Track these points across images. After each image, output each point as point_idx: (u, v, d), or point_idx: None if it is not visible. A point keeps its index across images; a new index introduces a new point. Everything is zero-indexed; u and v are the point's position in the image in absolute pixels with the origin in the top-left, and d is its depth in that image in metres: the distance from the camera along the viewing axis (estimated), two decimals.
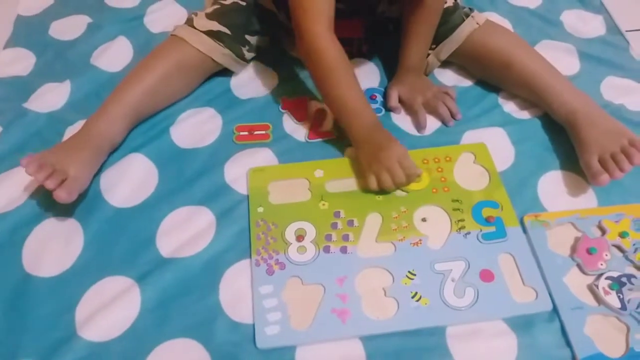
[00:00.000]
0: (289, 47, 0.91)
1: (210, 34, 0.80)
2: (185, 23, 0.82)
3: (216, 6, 0.83)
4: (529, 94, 0.79)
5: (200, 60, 0.80)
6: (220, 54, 0.81)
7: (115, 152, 0.76)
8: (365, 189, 0.70)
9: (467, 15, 0.82)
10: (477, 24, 0.81)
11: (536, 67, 0.78)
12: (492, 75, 0.82)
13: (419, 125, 0.78)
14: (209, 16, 0.81)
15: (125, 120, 0.74)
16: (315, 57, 0.71)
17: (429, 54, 0.83)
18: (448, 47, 0.82)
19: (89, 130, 0.72)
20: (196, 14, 0.82)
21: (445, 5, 0.81)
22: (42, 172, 0.64)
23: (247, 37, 0.83)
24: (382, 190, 0.69)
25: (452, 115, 0.79)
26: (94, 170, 0.71)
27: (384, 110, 0.82)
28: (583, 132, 0.71)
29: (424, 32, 0.79)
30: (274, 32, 0.88)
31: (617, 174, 0.66)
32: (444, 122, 0.79)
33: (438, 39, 0.82)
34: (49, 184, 0.63)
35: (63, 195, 0.64)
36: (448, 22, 0.81)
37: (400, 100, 0.81)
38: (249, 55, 0.85)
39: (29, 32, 0.97)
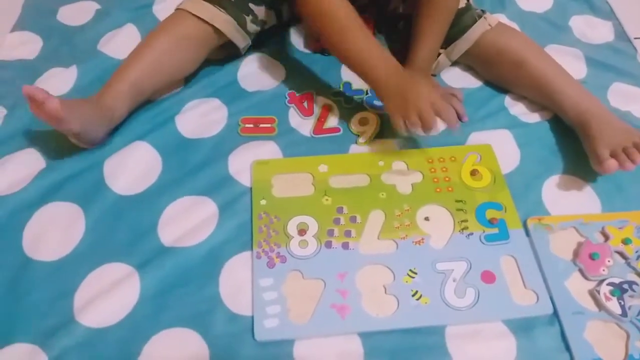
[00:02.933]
0: (299, 42, 0.91)
1: (212, 1, 0.79)
2: None
3: None
4: (539, 94, 0.79)
5: (202, 30, 0.78)
6: (222, 20, 0.78)
7: (119, 137, 0.76)
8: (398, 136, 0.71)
9: (480, 17, 0.82)
10: (489, 25, 0.81)
11: (547, 68, 0.78)
12: (502, 75, 0.82)
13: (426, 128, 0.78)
14: None
15: (128, 96, 0.74)
16: (325, 19, 0.70)
17: (439, 54, 0.83)
18: (459, 47, 0.82)
19: (92, 99, 0.72)
20: None
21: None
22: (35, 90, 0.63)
23: (252, 5, 0.81)
24: (410, 136, 0.70)
25: (459, 117, 0.79)
26: (84, 119, 0.68)
27: None
28: (595, 129, 0.70)
29: (436, 31, 0.78)
30: (279, 6, 0.86)
31: (628, 165, 0.65)
32: (449, 125, 0.78)
33: (450, 39, 0.81)
34: (38, 94, 0.62)
35: (53, 104, 0.62)
36: (460, 22, 0.81)
37: None
38: (251, 27, 0.82)
39: (37, 16, 0.96)
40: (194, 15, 0.78)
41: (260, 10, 0.83)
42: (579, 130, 0.74)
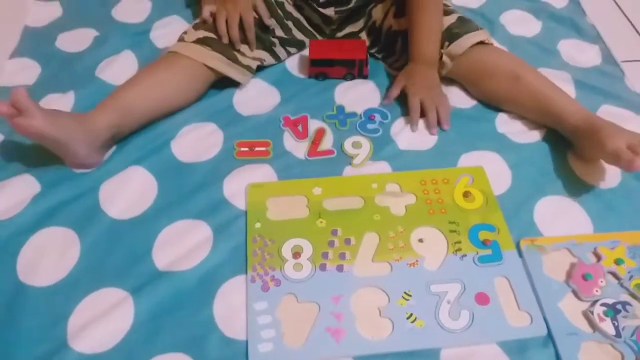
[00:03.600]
0: (294, 68, 0.93)
1: (197, 41, 0.82)
2: (178, 41, 0.84)
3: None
4: (536, 108, 0.80)
5: (194, 67, 0.81)
6: (210, 58, 0.81)
7: (114, 162, 0.76)
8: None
9: (480, 29, 0.86)
10: (488, 40, 0.85)
11: (543, 82, 0.81)
12: (498, 90, 0.83)
13: (412, 123, 0.82)
14: (196, 27, 0.84)
15: (112, 112, 0.74)
16: None
17: (442, 55, 0.85)
18: (460, 45, 0.83)
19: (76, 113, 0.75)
20: (186, 32, 0.85)
21: (460, 15, 0.86)
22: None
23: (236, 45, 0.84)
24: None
25: (440, 124, 0.81)
26: (56, 120, 0.68)
27: (381, 130, 0.82)
28: (604, 129, 0.70)
29: (429, 21, 0.83)
30: (271, 45, 0.90)
31: None
32: (427, 127, 0.82)
33: (451, 39, 0.84)
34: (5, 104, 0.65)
35: (19, 93, 0.64)
36: (462, 26, 0.85)
37: (404, 92, 0.83)
38: (245, 60, 0.85)
39: (35, 42, 0.98)
40: (183, 54, 0.81)
41: (246, 48, 0.85)
42: (582, 135, 0.74)
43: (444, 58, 0.85)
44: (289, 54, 0.94)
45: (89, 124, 0.72)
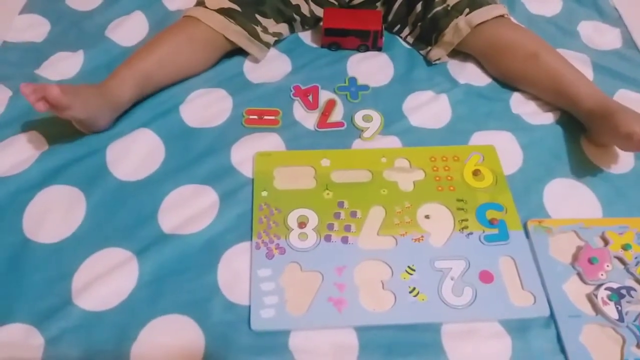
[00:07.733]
0: (307, 36, 0.92)
1: (221, 11, 0.80)
2: (197, 4, 0.83)
3: None
4: (552, 88, 0.78)
5: (213, 37, 0.80)
6: (232, 31, 0.81)
7: (123, 124, 0.76)
8: None
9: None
10: (507, 15, 0.83)
11: (563, 62, 0.79)
12: (515, 68, 0.81)
13: None
14: None
15: (134, 83, 0.74)
16: None
17: (458, 18, 0.82)
18: (481, 14, 0.81)
19: (97, 85, 0.73)
20: None
21: None
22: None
23: (259, 17, 0.83)
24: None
25: None
26: (88, 105, 0.68)
27: None
28: (619, 113, 0.68)
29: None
30: (291, 21, 0.88)
31: None
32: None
33: (472, 6, 0.82)
34: (36, 89, 0.62)
35: (54, 92, 0.62)
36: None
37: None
38: (265, 37, 0.84)
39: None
40: (203, 22, 0.79)
41: (268, 23, 0.84)
42: (596, 118, 0.72)
43: (462, 24, 0.82)
44: (304, 30, 0.93)
45: (114, 99, 0.72)
